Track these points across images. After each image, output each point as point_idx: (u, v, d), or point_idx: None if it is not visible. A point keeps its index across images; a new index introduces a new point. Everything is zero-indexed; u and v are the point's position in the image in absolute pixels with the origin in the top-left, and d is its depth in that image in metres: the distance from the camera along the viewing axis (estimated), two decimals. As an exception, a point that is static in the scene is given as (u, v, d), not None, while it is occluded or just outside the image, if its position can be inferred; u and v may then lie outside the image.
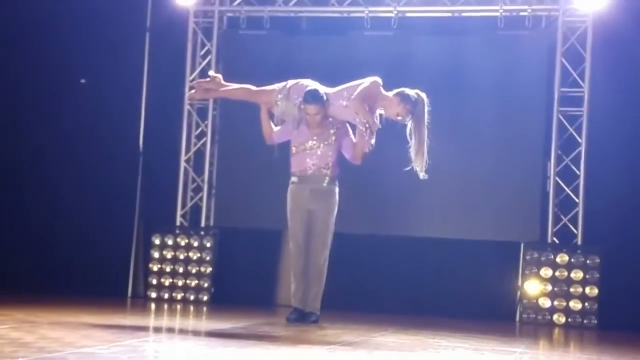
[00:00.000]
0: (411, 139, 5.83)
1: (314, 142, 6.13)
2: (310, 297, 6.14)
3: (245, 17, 8.22)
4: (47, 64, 8.44)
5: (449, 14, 7.95)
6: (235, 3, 8.33)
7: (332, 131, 6.16)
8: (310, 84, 6.13)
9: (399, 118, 5.83)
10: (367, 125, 5.80)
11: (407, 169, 5.90)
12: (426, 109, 5.81)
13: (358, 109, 5.82)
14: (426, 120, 5.82)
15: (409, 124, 5.83)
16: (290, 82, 6.14)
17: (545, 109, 7.71)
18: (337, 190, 6.19)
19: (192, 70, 8.43)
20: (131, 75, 8.40)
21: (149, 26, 8.43)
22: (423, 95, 5.84)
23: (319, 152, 6.13)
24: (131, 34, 8.36)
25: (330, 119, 6.15)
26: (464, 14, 7.98)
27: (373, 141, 5.99)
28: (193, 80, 8.41)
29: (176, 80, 8.40)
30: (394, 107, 5.81)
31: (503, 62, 7.80)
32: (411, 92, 5.84)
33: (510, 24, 7.85)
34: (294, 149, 6.21)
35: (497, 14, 7.79)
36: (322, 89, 6.08)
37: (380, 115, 5.98)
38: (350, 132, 6.19)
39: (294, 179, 6.23)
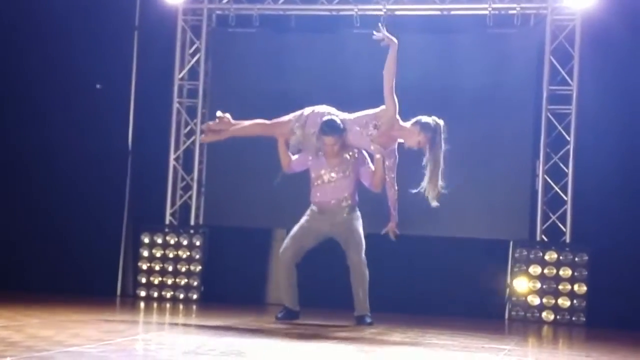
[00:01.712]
0: (426, 166, 5.84)
1: (333, 174, 6.09)
2: (358, 301, 6.15)
3: (235, 15, 8.23)
4: (33, 63, 8.42)
5: (438, 12, 7.99)
6: (225, 1, 8.34)
7: (349, 160, 6.11)
8: (327, 110, 6.04)
9: (420, 147, 5.81)
10: (383, 159, 5.87)
11: (415, 191, 5.90)
12: (443, 136, 5.80)
13: (376, 140, 5.85)
14: (443, 147, 5.80)
15: (426, 151, 5.82)
16: (307, 110, 6.05)
17: (534, 107, 7.74)
18: (358, 215, 6.21)
19: (181, 68, 8.44)
20: (120, 73, 8.40)
21: (138, 24, 8.42)
22: (440, 122, 5.82)
23: (338, 184, 6.10)
24: (120, 32, 8.35)
25: (348, 149, 6.12)
26: (453, 12, 8.01)
27: (394, 175, 6.00)
28: (182, 78, 8.44)
29: (165, 78, 8.40)
30: (414, 137, 5.79)
31: (492, 60, 7.82)
32: (429, 119, 5.82)
33: (499, 22, 7.89)
34: (313, 182, 6.17)
35: (486, 12, 7.83)
36: (340, 116, 6.00)
37: (400, 143, 5.96)
38: (368, 159, 6.15)
39: (314, 207, 6.20)
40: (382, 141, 5.86)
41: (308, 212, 6.23)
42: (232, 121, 6.23)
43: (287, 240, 6.23)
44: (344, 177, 6.11)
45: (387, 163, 5.91)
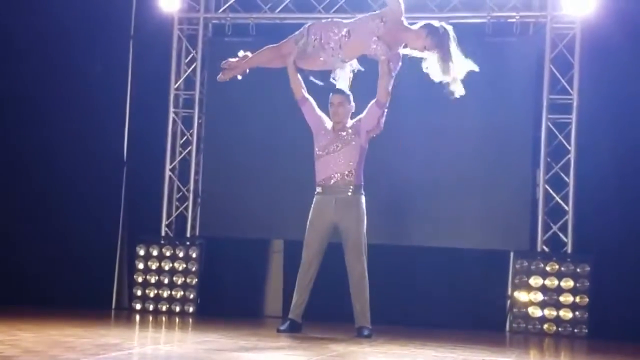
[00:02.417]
0: (437, 66, 5.69)
1: (338, 143, 6.11)
2: (356, 313, 6.12)
3: (231, 24, 8.22)
4: (29, 71, 8.40)
5: (437, 21, 7.94)
6: (221, 10, 8.32)
7: (351, 131, 6.12)
8: (329, 20, 6.04)
9: (426, 51, 5.69)
10: (387, 62, 5.72)
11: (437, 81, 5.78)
12: (453, 42, 5.69)
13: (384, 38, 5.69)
14: (454, 50, 5.68)
15: (435, 57, 5.69)
16: (309, 23, 6.02)
17: (534, 116, 7.72)
18: (363, 199, 6.17)
19: (177, 77, 8.42)
20: (115, 83, 8.38)
21: (133, 34, 8.41)
22: (449, 27, 5.73)
23: (342, 155, 6.10)
24: (115, 42, 8.34)
25: (351, 125, 6.15)
26: (451, 21, 7.94)
27: (390, 87, 5.89)
28: (178, 88, 8.42)
29: (161, 88, 8.38)
30: (420, 40, 5.68)
31: (491, 69, 7.75)
32: (437, 23, 5.75)
33: (498, 30, 7.88)
34: (318, 152, 6.17)
35: (485, 20, 7.83)
36: (344, 21, 5.91)
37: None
38: (363, 122, 6.14)
39: (318, 189, 6.19)
40: (387, 40, 5.71)
41: (313, 204, 6.22)
42: (249, 54, 6.13)
43: (305, 254, 6.22)
44: (348, 148, 6.12)
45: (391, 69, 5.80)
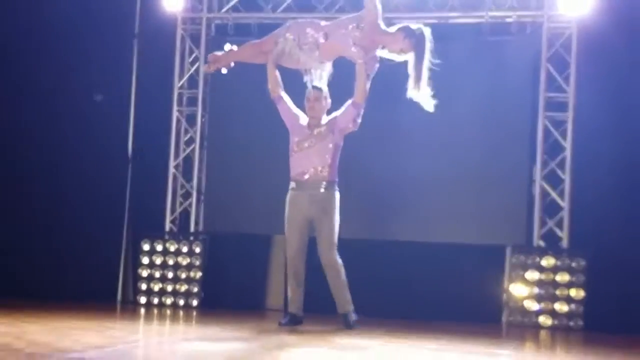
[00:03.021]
0: (411, 74, 5.64)
1: (313, 139, 6.04)
2: (338, 301, 6.07)
3: (233, 24, 8.24)
4: (33, 70, 8.44)
5: (435, 21, 7.96)
6: (223, 10, 8.35)
7: (326, 128, 6.05)
8: (309, 19, 6.03)
9: (403, 54, 5.64)
10: (364, 64, 5.68)
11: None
12: (428, 44, 5.61)
13: (360, 42, 5.66)
14: (428, 55, 5.59)
15: (411, 59, 5.64)
16: (289, 22, 6.00)
17: (531, 113, 7.73)
18: (337, 195, 6.09)
19: (181, 76, 8.45)
20: (119, 81, 8.40)
21: (137, 33, 8.43)
22: (427, 30, 5.66)
23: (316, 152, 6.02)
24: (119, 41, 8.35)
25: (326, 122, 6.08)
26: (450, 21, 8.02)
27: (368, 85, 5.83)
28: (181, 86, 8.45)
29: (165, 86, 8.41)
30: (398, 43, 5.62)
31: (489, 67, 7.83)
32: (414, 26, 5.68)
33: (495, 30, 7.90)
34: (293, 148, 6.10)
35: (483, 20, 7.85)
36: (321, 23, 5.88)
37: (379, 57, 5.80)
38: (338, 120, 6.08)
39: (292, 184, 6.13)
40: (364, 44, 5.66)
41: (287, 200, 6.15)
42: (234, 48, 6.13)
43: (288, 249, 6.17)
44: (325, 140, 6.04)
45: (368, 71, 5.74)
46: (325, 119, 6.10)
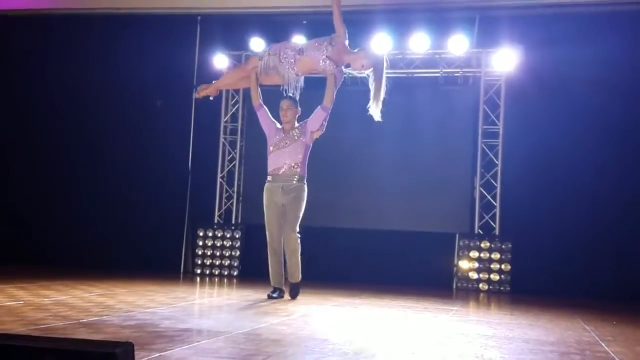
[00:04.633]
0: (371, 87, 4.99)
1: (287, 140, 5.31)
2: (290, 272, 5.34)
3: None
4: (122, 110, 8.47)
5: (405, 75, 7.99)
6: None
7: (298, 131, 5.33)
8: (289, 41, 5.31)
9: (363, 70, 4.99)
10: (334, 76, 5.04)
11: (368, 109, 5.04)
12: (385, 64, 4.98)
13: (332, 58, 4.99)
14: (384, 72, 4.96)
15: (371, 76, 5.00)
16: (271, 44, 5.29)
17: (473, 140, 7.73)
18: (305, 187, 5.33)
19: (225, 114, 8.47)
20: (183, 118, 8.42)
21: (196, 83, 8.43)
22: (384, 52, 5.03)
23: (290, 151, 5.30)
24: (182, 89, 8.33)
25: (297, 125, 5.37)
26: (415, 75, 8.03)
27: (335, 93, 5.15)
28: (226, 120, 8.46)
29: (214, 121, 8.41)
30: (359, 61, 4.95)
31: (443, 107, 7.83)
32: (374, 48, 5.17)
33: (447, 81, 7.91)
34: (271, 149, 5.37)
35: (439, 74, 7.86)
36: (299, 44, 5.22)
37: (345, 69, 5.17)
38: (309, 124, 5.32)
39: (269, 178, 5.38)
40: (334, 58, 4.99)
41: (264, 190, 5.40)
42: (214, 82, 5.49)
43: (268, 233, 5.37)
44: (295, 143, 5.29)
45: (336, 81, 5.11)
46: (296, 124, 5.39)
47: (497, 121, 7.68)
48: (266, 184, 5.40)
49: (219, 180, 8.40)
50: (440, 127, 7.74)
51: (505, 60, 7.48)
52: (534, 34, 7.48)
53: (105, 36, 8.46)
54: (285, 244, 5.30)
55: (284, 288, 5.39)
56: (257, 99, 5.34)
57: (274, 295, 5.34)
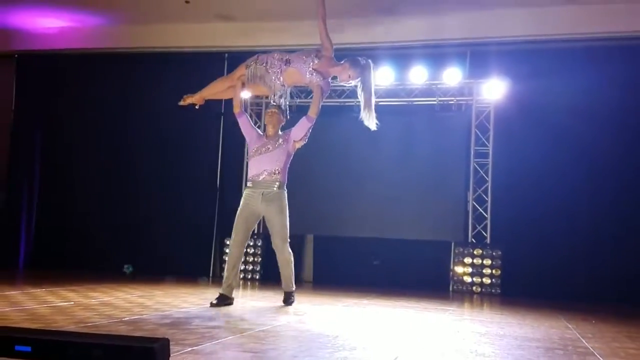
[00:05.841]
0: (361, 98, 4.44)
1: (269, 146, 4.78)
2: (285, 282, 4.86)
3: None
4: (156, 135, 8.54)
5: (405, 102, 8.01)
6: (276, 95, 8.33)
7: (281, 139, 4.81)
8: (276, 51, 4.65)
9: (351, 80, 4.46)
10: (320, 88, 4.54)
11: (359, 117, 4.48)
12: (372, 72, 4.44)
13: (319, 70, 4.50)
14: (373, 81, 4.44)
15: (359, 85, 4.45)
16: (258, 54, 4.70)
17: (466, 159, 7.70)
18: (285, 194, 4.77)
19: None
20: (212, 146, 8.47)
21: (223, 112, 8.50)
22: (370, 61, 4.46)
23: (271, 157, 4.75)
24: (211, 116, 8.28)
25: (281, 133, 4.87)
26: (414, 102, 8.05)
27: (321, 104, 4.63)
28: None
29: (239, 145, 8.42)
30: (345, 71, 4.43)
31: (439, 131, 7.82)
32: (359, 58, 4.48)
33: (443, 108, 7.90)
34: (251, 154, 4.84)
35: (435, 102, 7.85)
36: (286, 55, 4.58)
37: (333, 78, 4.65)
38: (292, 132, 4.82)
39: (249, 183, 4.81)
40: (321, 71, 4.48)
41: (243, 195, 4.83)
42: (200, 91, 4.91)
43: (233, 235, 4.77)
44: (279, 148, 4.75)
45: (323, 93, 4.57)
46: (280, 131, 4.88)
47: (487, 143, 7.66)
48: (246, 190, 4.81)
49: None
50: (437, 149, 7.73)
51: (494, 90, 7.48)
52: (520, 66, 7.48)
53: (143, 72, 8.58)
54: (279, 255, 4.77)
55: (232, 296, 4.73)
56: (238, 106, 4.76)
57: (215, 302, 4.58)
